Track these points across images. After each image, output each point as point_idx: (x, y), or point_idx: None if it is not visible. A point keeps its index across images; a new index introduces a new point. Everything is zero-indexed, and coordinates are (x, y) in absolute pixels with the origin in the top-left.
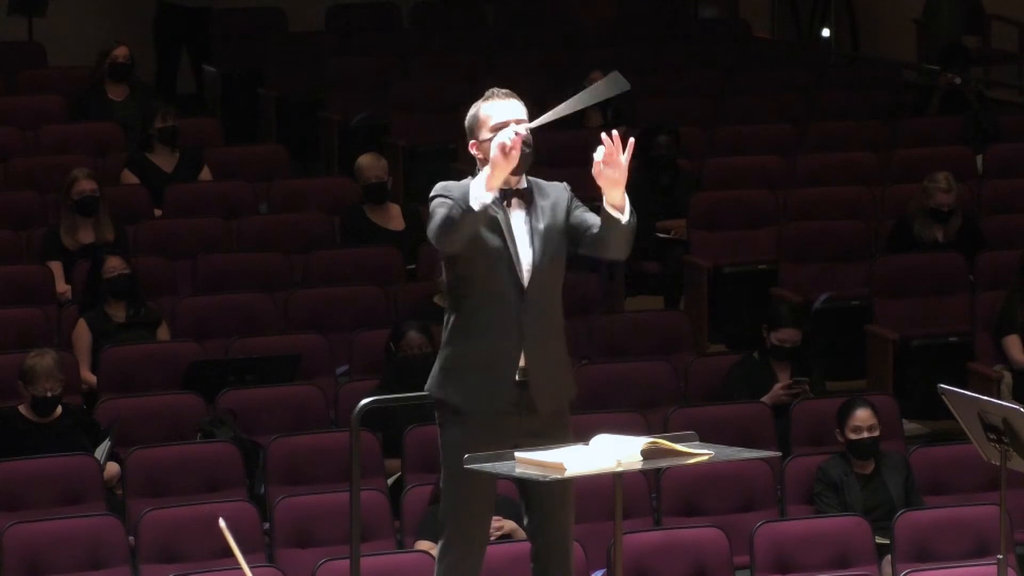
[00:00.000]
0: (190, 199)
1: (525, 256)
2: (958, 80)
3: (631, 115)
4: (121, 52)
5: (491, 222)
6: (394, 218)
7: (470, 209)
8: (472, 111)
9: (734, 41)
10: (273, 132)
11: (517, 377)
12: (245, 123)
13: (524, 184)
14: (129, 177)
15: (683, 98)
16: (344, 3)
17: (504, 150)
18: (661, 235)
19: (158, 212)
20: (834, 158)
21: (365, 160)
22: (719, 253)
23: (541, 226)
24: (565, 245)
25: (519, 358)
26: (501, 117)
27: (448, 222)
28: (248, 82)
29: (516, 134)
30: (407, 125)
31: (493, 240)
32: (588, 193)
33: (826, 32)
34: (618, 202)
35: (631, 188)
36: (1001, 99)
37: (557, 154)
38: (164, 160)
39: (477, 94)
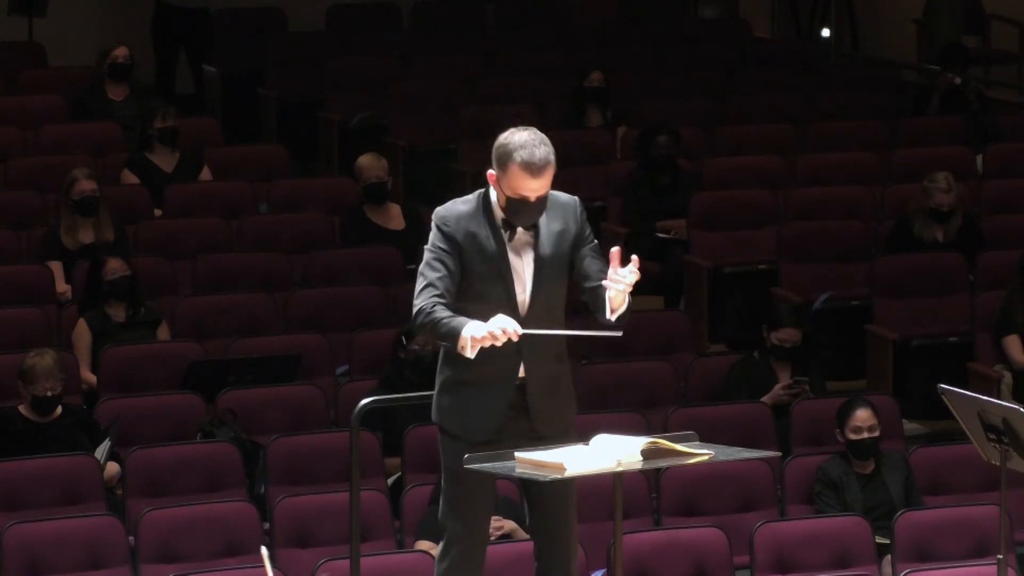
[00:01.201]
0: (190, 199)
1: (524, 287)
2: (958, 80)
3: (631, 115)
4: (121, 52)
5: (489, 255)
6: (394, 218)
7: (451, 340)
8: (504, 144)
9: (734, 41)
10: (273, 132)
11: (514, 399)
12: (245, 123)
13: None
14: (129, 177)
15: (683, 98)
16: (344, 3)
17: (484, 343)
18: (661, 235)
19: (158, 212)
20: (834, 158)
21: (365, 160)
22: (719, 253)
23: (545, 254)
24: (568, 271)
25: (515, 379)
26: (528, 191)
27: (429, 331)
28: (248, 82)
29: (497, 335)
30: (407, 125)
31: (490, 274)
32: (590, 193)
33: (826, 32)
34: (617, 304)
35: (631, 188)
36: (1001, 99)
37: (556, 153)
38: (164, 160)
39: (477, 94)
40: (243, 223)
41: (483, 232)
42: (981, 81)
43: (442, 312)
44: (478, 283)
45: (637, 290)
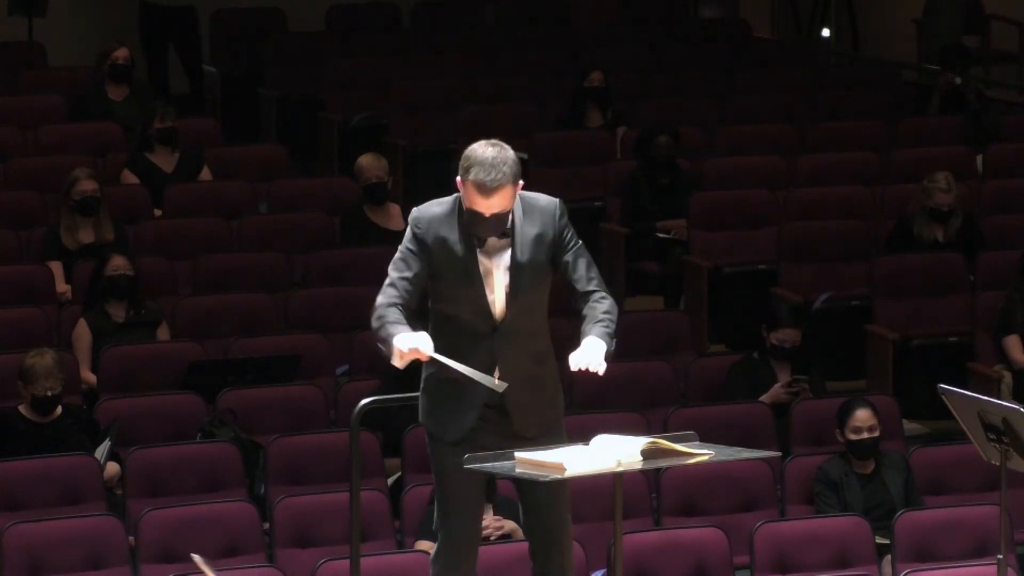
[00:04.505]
0: (190, 199)
1: (499, 295)
2: (958, 80)
3: (631, 115)
4: (121, 54)
5: (458, 259)
6: (394, 218)
7: (386, 345)
8: (467, 157)
9: (734, 41)
10: (273, 132)
11: (490, 399)
12: (245, 123)
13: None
14: (129, 177)
15: (683, 98)
16: (344, 3)
17: (400, 357)
18: (661, 235)
19: (158, 212)
20: (834, 158)
21: (365, 160)
22: (719, 253)
23: (521, 260)
24: (548, 273)
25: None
26: (481, 208)
27: (375, 330)
28: (248, 82)
29: (404, 352)
30: (407, 125)
31: (460, 278)
32: (590, 193)
33: (826, 32)
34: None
35: (631, 188)
36: (1001, 99)
37: (556, 153)
38: (164, 160)
39: (477, 94)
40: (243, 223)
41: (453, 236)
42: (981, 81)
43: (392, 315)
44: (449, 287)
45: (637, 290)
